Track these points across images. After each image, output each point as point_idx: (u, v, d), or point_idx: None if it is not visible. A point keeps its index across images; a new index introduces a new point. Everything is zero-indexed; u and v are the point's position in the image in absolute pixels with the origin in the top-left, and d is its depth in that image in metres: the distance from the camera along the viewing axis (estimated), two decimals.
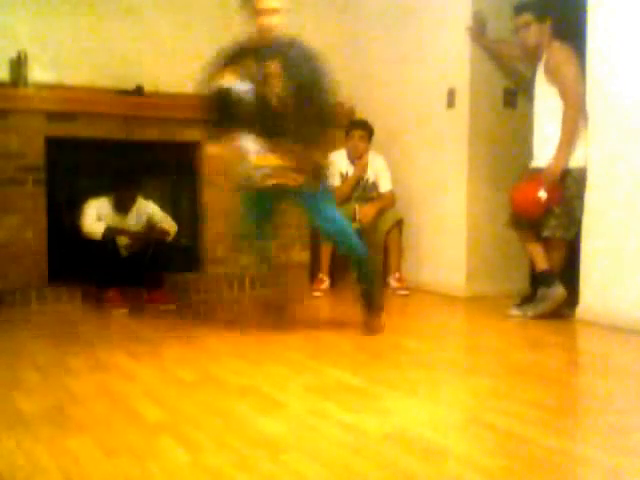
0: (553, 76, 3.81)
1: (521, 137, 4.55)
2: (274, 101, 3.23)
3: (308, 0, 5.32)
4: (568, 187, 3.78)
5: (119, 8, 4.62)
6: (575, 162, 3.77)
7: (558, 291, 3.77)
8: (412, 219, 4.94)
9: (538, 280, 3.92)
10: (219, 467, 1.81)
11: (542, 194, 3.73)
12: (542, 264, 3.85)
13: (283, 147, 3.22)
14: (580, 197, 3.78)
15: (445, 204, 4.70)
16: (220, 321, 3.91)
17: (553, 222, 3.80)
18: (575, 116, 3.74)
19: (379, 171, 4.92)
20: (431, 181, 4.82)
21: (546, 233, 3.83)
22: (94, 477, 1.77)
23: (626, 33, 3.58)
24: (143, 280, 4.33)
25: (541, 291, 3.84)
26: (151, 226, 4.42)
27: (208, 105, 3.32)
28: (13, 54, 4.25)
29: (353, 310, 3.58)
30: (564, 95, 3.76)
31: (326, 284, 4.81)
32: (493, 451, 1.96)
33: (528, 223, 3.87)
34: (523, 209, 3.87)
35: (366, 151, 4.89)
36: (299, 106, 3.22)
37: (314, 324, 3.78)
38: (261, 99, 3.22)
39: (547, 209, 3.77)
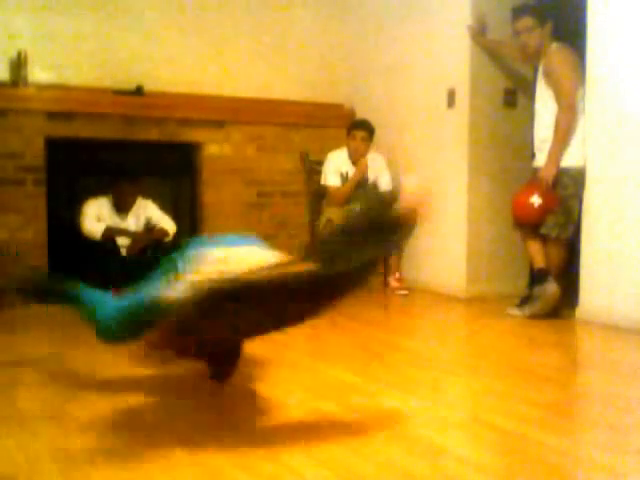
0: (550, 78, 3.83)
1: (521, 137, 4.56)
2: None
3: (307, 1, 5.34)
4: (565, 186, 3.80)
5: (119, 8, 4.62)
6: (572, 161, 3.79)
7: (551, 288, 3.78)
8: None
9: (535, 278, 3.94)
10: (219, 467, 1.81)
11: (535, 199, 3.77)
12: (539, 262, 3.87)
13: None
14: (578, 196, 3.80)
15: (445, 204, 4.70)
16: None
17: (551, 221, 3.82)
18: (568, 120, 3.75)
19: (379, 171, 4.92)
20: (431, 181, 4.81)
21: (543, 231, 3.85)
22: (94, 477, 1.76)
23: (625, 33, 3.58)
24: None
25: (536, 289, 3.86)
26: (150, 226, 4.42)
27: None
28: (13, 54, 4.25)
29: (353, 310, 3.58)
30: (559, 98, 3.77)
31: None
32: (493, 451, 1.96)
33: (529, 227, 3.90)
34: (519, 215, 3.92)
35: (367, 151, 4.88)
36: None
37: (314, 324, 3.78)
38: None
39: (545, 212, 3.79)
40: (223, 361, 2.51)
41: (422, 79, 4.84)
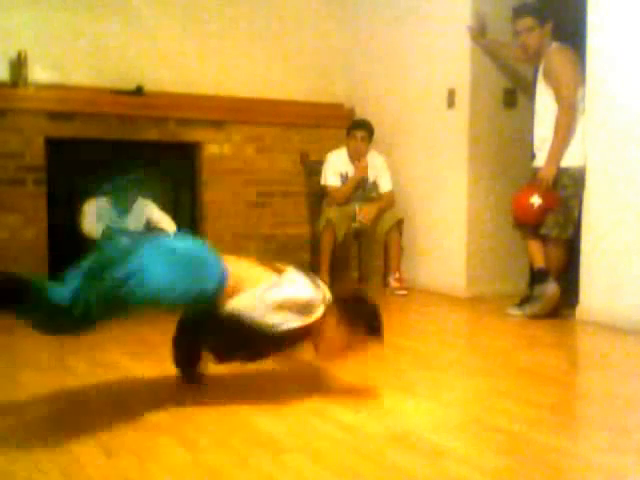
0: (550, 78, 3.83)
1: (521, 137, 4.56)
2: None
3: (308, 0, 5.34)
4: (565, 186, 3.80)
5: (119, 8, 4.62)
6: (572, 161, 3.79)
7: (551, 289, 3.78)
8: (412, 219, 4.94)
9: (535, 278, 3.95)
10: (219, 467, 1.81)
11: (535, 200, 3.78)
12: (539, 262, 3.88)
13: None
14: (578, 196, 3.80)
15: (445, 204, 4.70)
16: None
17: (551, 221, 3.82)
18: (568, 120, 3.75)
19: (379, 171, 4.92)
20: (431, 181, 4.82)
21: (543, 231, 3.85)
22: (94, 477, 1.76)
23: (625, 33, 3.58)
24: None
25: (537, 289, 3.86)
26: (150, 226, 4.42)
27: None
28: (13, 54, 4.25)
29: None
30: (559, 98, 3.78)
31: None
32: (493, 451, 1.96)
33: (529, 227, 3.90)
34: (519, 216, 3.93)
35: (367, 151, 4.89)
36: None
37: None
38: None
39: (545, 212, 3.80)
40: (190, 364, 2.53)
41: (422, 79, 4.85)
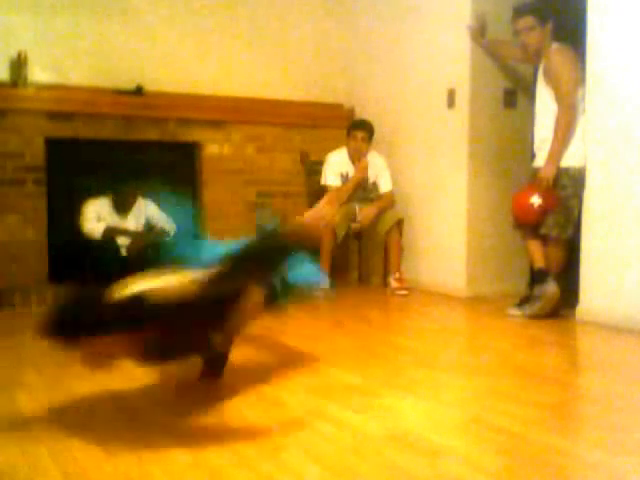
0: (550, 78, 3.83)
1: (521, 137, 4.56)
2: None
3: (307, 0, 5.34)
4: (565, 186, 3.80)
5: (119, 8, 4.62)
6: (572, 161, 3.79)
7: (551, 289, 3.78)
8: (412, 219, 4.94)
9: (535, 278, 3.95)
10: (219, 467, 1.81)
11: (535, 200, 3.78)
12: (539, 262, 3.87)
13: None
14: (578, 196, 3.80)
15: (445, 204, 4.70)
16: None
17: (550, 220, 3.82)
18: (568, 120, 3.75)
19: (379, 171, 4.92)
20: (431, 181, 4.82)
21: (543, 231, 3.85)
22: (94, 477, 1.76)
23: (626, 33, 3.58)
24: None
25: (536, 289, 3.86)
26: (150, 226, 4.42)
27: None
28: (13, 54, 4.25)
29: (354, 310, 3.57)
30: (559, 98, 3.78)
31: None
32: (493, 451, 1.96)
33: (529, 227, 3.90)
34: (519, 216, 3.93)
35: (367, 151, 4.89)
36: None
37: (315, 324, 3.78)
38: None
39: (545, 212, 3.80)
40: (213, 364, 2.56)
41: (422, 79, 4.85)
